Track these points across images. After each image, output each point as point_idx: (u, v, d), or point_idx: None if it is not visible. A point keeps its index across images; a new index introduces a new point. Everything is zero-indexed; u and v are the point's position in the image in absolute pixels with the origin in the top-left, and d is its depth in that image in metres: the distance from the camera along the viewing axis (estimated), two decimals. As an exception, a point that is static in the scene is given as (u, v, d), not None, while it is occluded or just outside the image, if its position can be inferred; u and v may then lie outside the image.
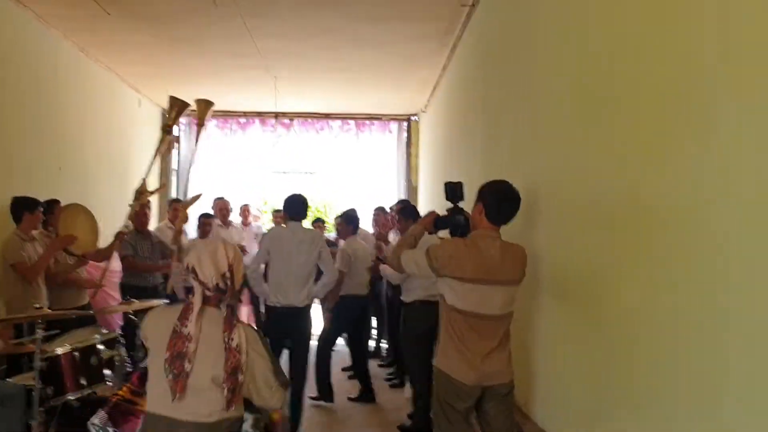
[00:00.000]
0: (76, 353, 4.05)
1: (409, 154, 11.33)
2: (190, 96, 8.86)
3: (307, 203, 5.34)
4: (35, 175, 6.48)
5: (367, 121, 11.21)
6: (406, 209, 5.85)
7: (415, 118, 11.12)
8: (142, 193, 5.93)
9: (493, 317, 3.23)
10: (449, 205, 3.68)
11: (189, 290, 4.64)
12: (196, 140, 6.90)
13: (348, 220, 6.65)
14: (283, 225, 5.52)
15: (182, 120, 11.01)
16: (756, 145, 1.78)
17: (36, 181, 6.34)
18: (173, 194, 10.79)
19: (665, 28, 2.33)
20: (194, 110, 6.34)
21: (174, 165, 11.31)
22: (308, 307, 5.23)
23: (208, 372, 2.45)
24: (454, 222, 3.61)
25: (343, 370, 7.27)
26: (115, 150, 8.76)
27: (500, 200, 3.29)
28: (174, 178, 11.19)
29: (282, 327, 5.05)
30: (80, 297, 5.50)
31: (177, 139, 11.08)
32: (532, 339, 3.81)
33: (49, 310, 4.29)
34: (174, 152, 11.16)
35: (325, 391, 6.36)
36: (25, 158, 6.38)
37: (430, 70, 8.10)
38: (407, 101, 10.09)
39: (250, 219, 9.43)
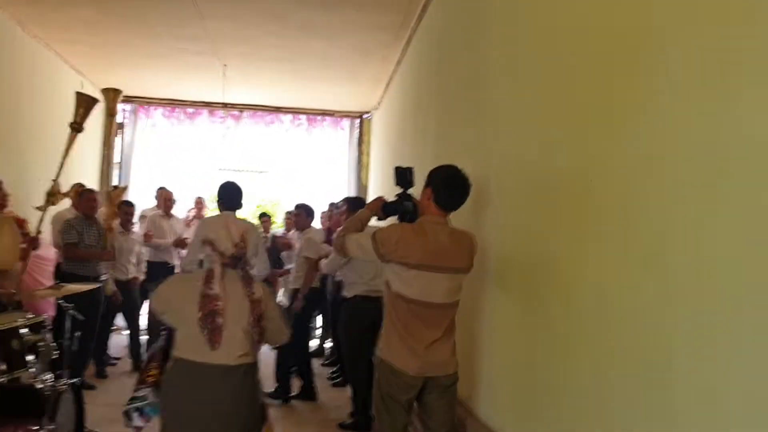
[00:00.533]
0: (-5, 336, 3.80)
1: (360, 153, 11.18)
2: (136, 82, 8.58)
3: (241, 191, 5.08)
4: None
5: (319, 117, 11.02)
6: (354, 202, 5.73)
7: (368, 115, 10.99)
8: (53, 195, 5.67)
9: (438, 305, 3.13)
10: (398, 191, 3.58)
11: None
12: (110, 133, 6.63)
13: (308, 212, 6.58)
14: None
15: (127, 108, 10.71)
16: (699, 130, 1.71)
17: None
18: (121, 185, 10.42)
19: (620, 7, 2.26)
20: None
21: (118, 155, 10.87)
22: None
23: (237, 323, 2.85)
24: (403, 208, 3.51)
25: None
26: (54, 135, 8.33)
27: (449, 185, 3.20)
28: (116, 170, 10.76)
29: None
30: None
31: (121, 127, 10.71)
32: (477, 330, 3.71)
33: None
34: (117, 141, 10.74)
35: (282, 388, 6.20)
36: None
37: (384, 65, 7.97)
38: (360, 98, 9.94)
39: (204, 212, 9.30)
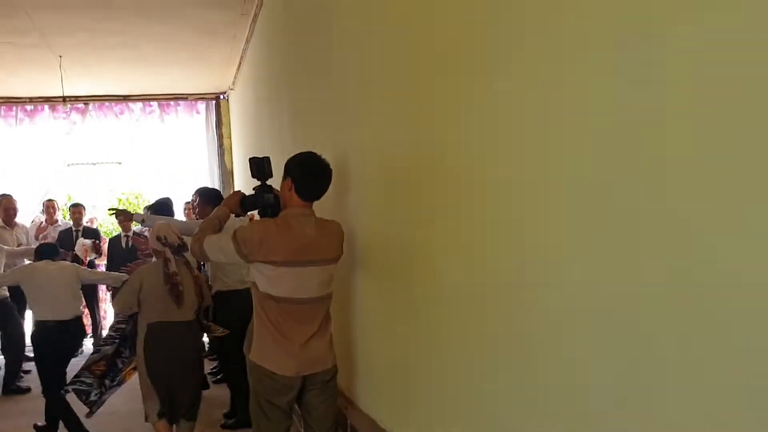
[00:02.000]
0: None
1: (220, 136, 10.68)
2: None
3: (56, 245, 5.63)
4: None
5: (172, 102, 10.41)
6: (206, 194, 5.37)
7: (224, 96, 10.54)
8: None
9: (311, 300, 3.01)
10: (257, 183, 3.40)
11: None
12: None
13: (158, 209, 6.00)
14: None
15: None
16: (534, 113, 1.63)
17: None
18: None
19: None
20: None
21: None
22: (79, 317, 5.34)
23: (190, 291, 4.19)
24: (263, 201, 3.33)
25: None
26: None
27: (310, 173, 3.04)
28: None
29: (59, 340, 5.04)
30: None
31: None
32: (352, 318, 3.60)
33: None
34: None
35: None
36: None
37: (233, 44, 7.60)
38: (213, 79, 9.47)
39: (57, 216, 8.65)
